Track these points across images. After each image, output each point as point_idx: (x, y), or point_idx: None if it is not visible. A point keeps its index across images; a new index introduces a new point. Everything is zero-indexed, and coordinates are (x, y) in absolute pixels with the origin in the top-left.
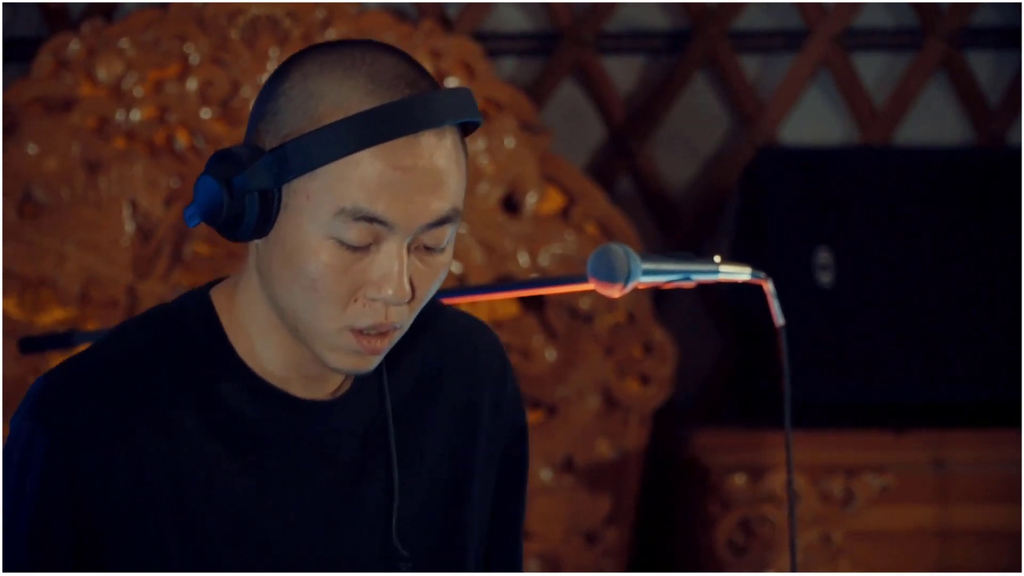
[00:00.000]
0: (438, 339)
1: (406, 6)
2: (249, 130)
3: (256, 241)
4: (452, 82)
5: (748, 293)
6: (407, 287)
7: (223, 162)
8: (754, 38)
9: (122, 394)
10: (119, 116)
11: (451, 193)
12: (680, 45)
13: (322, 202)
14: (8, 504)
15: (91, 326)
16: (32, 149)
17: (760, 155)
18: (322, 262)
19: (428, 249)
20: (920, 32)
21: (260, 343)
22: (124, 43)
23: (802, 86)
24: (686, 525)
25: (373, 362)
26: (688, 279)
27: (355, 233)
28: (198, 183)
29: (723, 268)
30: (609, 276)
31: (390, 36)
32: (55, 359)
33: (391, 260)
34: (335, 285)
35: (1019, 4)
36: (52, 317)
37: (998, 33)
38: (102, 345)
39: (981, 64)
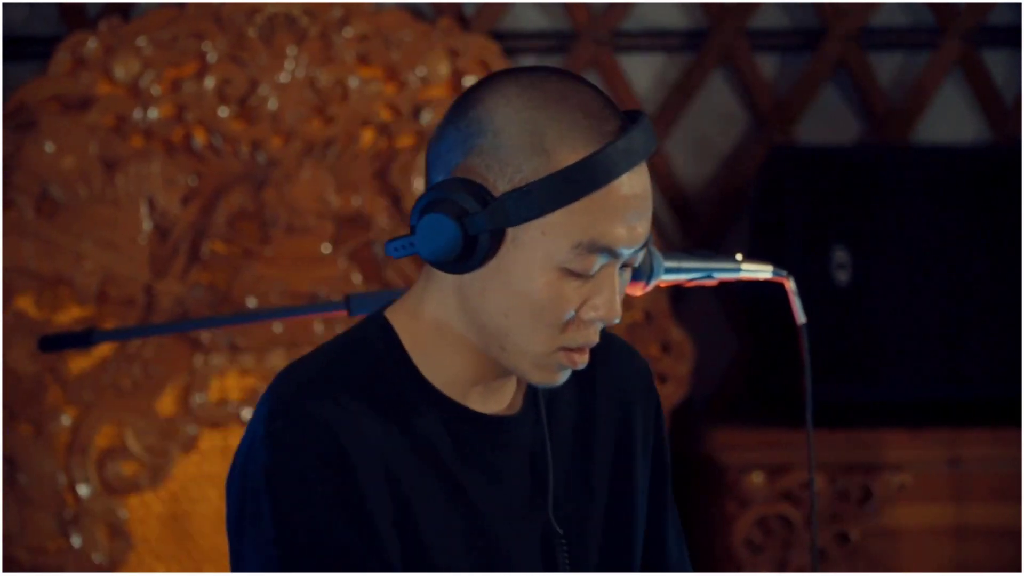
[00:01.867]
0: (595, 358)
1: (423, 5)
2: (449, 161)
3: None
4: (470, 81)
5: (765, 291)
6: (620, 308)
7: (447, 201)
8: (771, 37)
9: (340, 418)
10: (136, 114)
11: (651, 213)
12: (697, 44)
13: (559, 236)
14: (252, 522)
15: (108, 325)
16: (50, 147)
17: (777, 154)
18: (555, 292)
19: (623, 267)
20: (936, 31)
21: (444, 360)
22: (141, 41)
23: (819, 85)
24: (703, 523)
25: (567, 375)
26: (710, 277)
27: (586, 263)
28: (425, 221)
29: (745, 266)
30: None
31: (407, 34)
32: (72, 358)
33: (612, 284)
34: (562, 312)
35: None
36: (70, 315)
37: (1015, 32)
38: (308, 369)
39: (997, 63)
